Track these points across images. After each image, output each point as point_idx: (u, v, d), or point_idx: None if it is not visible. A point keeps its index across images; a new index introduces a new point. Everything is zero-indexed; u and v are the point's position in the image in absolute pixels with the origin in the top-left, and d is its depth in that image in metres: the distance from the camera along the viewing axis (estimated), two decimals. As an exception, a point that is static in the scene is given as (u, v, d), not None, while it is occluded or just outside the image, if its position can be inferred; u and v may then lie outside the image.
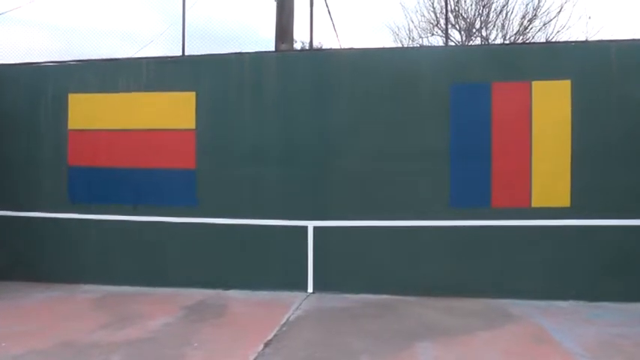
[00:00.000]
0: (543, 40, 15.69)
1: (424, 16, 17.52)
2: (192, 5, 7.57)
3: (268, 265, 6.90)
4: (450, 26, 16.24)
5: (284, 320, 5.52)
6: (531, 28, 16.48)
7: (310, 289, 6.79)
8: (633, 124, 6.30)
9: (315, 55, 7.27)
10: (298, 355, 4.47)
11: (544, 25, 16.21)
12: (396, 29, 20.47)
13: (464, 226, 6.53)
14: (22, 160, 7.50)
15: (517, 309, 5.90)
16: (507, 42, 15.85)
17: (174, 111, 7.12)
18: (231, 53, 7.15)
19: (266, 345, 4.72)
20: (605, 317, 5.59)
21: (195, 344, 4.78)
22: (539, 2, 16.14)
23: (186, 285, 6.94)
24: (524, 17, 16.39)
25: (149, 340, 4.91)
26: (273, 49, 8.79)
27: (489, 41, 16.55)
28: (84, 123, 7.35)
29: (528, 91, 6.48)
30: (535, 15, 16.28)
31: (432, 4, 17.06)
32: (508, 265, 6.45)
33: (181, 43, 7.35)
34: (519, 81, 6.50)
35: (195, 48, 7.41)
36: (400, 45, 17.59)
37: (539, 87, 6.46)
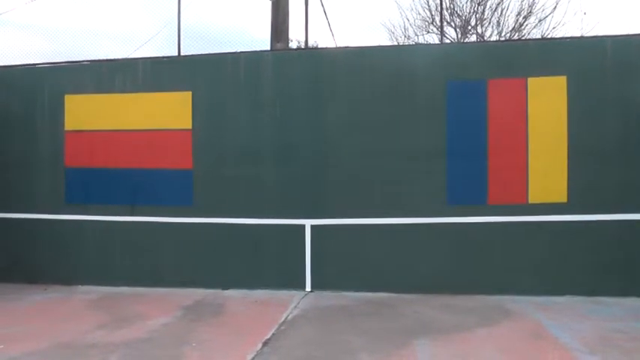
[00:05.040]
0: (539, 36, 15.72)
1: (419, 14, 17.62)
2: (187, 6, 7.57)
3: (266, 264, 6.91)
4: (445, 24, 16.26)
5: (282, 319, 5.53)
6: (527, 25, 16.55)
7: (308, 288, 6.79)
8: (629, 120, 6.32)
9: (310, 54, 7.27)
10: (297, 354, 4.48)
11: (539, 21, 16.28)
12: (392, 28, 20.57)
13: (461, 223, 6.54)
14: (18, 161, 7.48)
15: (514, 305, 5.92)
16: (503, 39, 15.87)
17: (171, 111, 7.12)
18: (227, 53, 7.15)
19: (264, 344, 4.72)
20: (602, 312, 5.61)
21: (194, 344, 4.78)
22: (534, -1, 16.19)
23: (183, 285, 6.94)
24: (519, 14, 16.44)
25: (147, 340, 4.91)
26: (268, 48, 8.78)
27: (485, 38, 16.56)
28: (80, 124, 7.34)
29: (524, 88, 6.49)
30: (530, 12, 16.34)
31: (427, 2, 17.11)
32: (505, 262, 6.46)
33: (177, 43, 7.35)
34: (515, 78, 6.51)
35: (190, 49, 7.41)
36: (396, 43, 17.59)
37: (535, 83, 6.47)
